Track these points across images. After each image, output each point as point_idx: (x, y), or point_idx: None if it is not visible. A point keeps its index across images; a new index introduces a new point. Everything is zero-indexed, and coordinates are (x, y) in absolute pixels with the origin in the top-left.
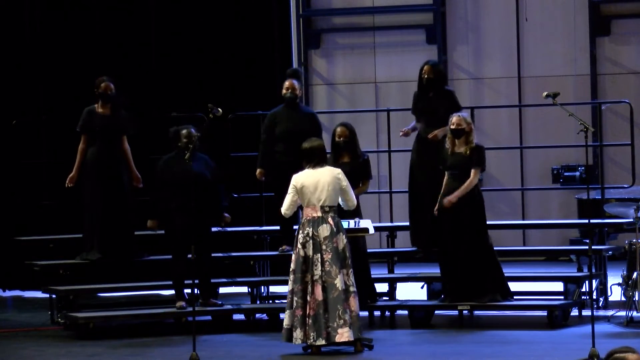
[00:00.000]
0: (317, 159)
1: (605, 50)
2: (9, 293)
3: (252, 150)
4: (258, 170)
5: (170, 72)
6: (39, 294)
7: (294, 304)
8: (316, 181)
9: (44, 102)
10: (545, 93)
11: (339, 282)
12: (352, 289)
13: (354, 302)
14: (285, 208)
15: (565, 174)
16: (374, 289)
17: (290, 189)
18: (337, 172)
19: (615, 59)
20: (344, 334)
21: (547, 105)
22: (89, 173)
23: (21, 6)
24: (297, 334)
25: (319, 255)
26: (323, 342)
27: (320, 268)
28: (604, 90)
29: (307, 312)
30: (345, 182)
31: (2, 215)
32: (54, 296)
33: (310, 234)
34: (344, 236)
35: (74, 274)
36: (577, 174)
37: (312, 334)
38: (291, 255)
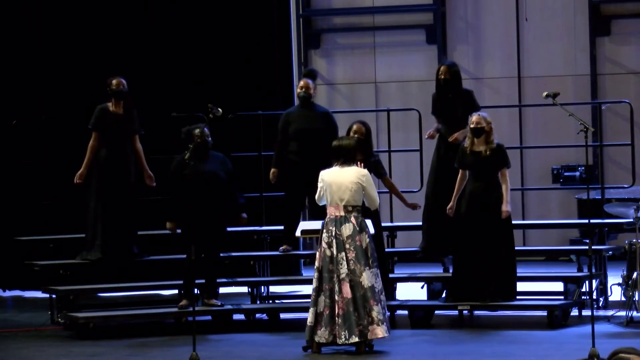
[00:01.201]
0: (344, 158)
1: (605, 50)
2: (9, 293)
3: (252, 150)
4: (272, 171)
5: (170, 72)
6: (39, 294)
7: (320, 302)
8: (340, 180)
9: (44, 102)
10: (545, 93)
11: (365, 280)
12: (376, 286)
13: (379, 300)
14: (316, 197)
15: (565, 174)
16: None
17: (319, 181)
18: (363, 173)
19: (615, 59)
20: (375, 331)
21: (547, 105)
22: (100, 172)
23: (21, 6)
24: (322, 332)
25: (343, 254)
26: (356, 339)
27: (345, 267)
28: (604, 90)
29: (337, 312)
30: (368, 185)
31: (2, 215)
32: (54, 296)
33: (334, 233)
34: (367, 235)
35: (74, 274)
36: (577, 174)
37: (343, 333)
38: (293, 254)
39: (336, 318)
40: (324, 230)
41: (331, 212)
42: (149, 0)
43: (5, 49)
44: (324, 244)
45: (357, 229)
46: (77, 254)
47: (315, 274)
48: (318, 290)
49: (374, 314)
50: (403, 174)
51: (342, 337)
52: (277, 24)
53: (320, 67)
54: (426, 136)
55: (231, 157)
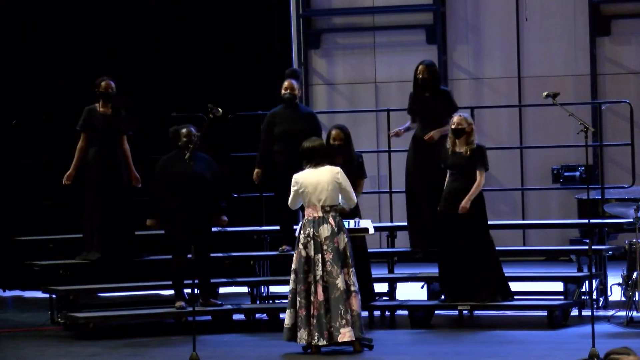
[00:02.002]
0: (317, 159)
1: (605, 50)
2: (9, 293)
3: (252, 150)
4: (255, 171)
5: (170, 72)
6: (39, 294)
7: (298, 304)
8: (316, 181)
9: (44, 102)
10: (545, 93)
11: (340, 282)
12: (353, 288)
13: (355, 302)
14: (289, 202)
15: (565, 174)
16: (372, 289)
17: (292, 185)
18: (337, 171)
19: (615, 59)
20: (346, 334)
21: (547, 105)
22: (89, 172)
23: (21, 6)
24: (302, 333)
25: (320, 255)
26: (324, 342)
27: (321, 268)
28: (604, 90)
29: (312, 313)
30: (344, 181)
31: (2, 215)
32: (54, 296)
33: (311, 234)
34: (345, 235)
35: (74, 274)
36: (577, 174)
37: (315, 334)
38: (292, 254)
39: (311, 319)
40: (301, 232)
41: (309, 213)
42: (150, 0)
43: (6, 49)
44: (300, 245)
45: (335, 229)
46: (77, 254)
47: (292, 276)
48: (294, 292)
49: (348, 316)
50: (402, 174)
51: (315, 337)
52: (277, 24)
53: (320, 67)
54: (392, 133)
55: (231, 157)
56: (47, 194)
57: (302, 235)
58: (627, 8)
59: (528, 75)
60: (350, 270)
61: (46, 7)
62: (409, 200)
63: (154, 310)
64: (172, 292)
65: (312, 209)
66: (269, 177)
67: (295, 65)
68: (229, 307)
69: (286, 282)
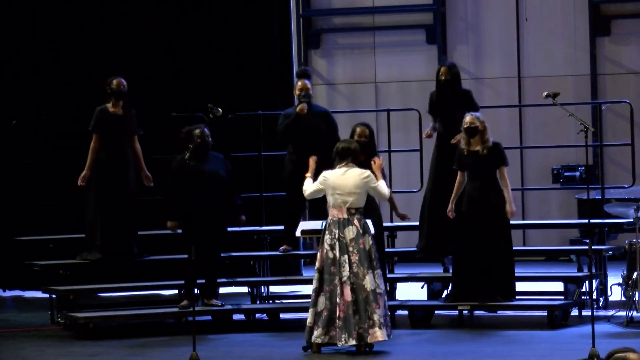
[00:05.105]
0: (349, 159)
1: (605, 50)
2: (9, 293)
3: (252, 150)
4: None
5: (170, 72)
6: (39, 294)
7: (322, 304)
8: (344, 183)
9: (44, 102)
10: (545, 93)
11: (368, 283)
12: (379, 290)
13: (381, 303)
14: (308, 191)
15: (565, 174)
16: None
17: (319, 181)
18: (366, 174)
19: (615, 59)
20: (375, 334)
21: (547, 105)
22: (98, 172)
23: (22, 6)
24: (318, 333)
25: (346, 256)
26: (354, 342)
27: (348, 269)
28: (604, 90)
29: (338, 314)
30: (373, 182)
31: (2, 215)
32: (54, 296)
33: (337, 236)
34: (370, 237)
35: (74, 274)
36: (577, 174)
37: (343, 335)
38: (293, 254)
39: (337, 321)
40: (327, 232)
41: (334, 214)
42: (150, 0)
43: (6, 49)
44: (326, 246)
45: (361, 231)
46: (77, 254)
47: (316, 275)
48: (318, 291)
49: (375, 317)
50: (403, 174)
51: (342, 339)
52: (277, 24)
53: (320, 67)
54: (424, 136)
55: (231, 157)
56: (47, 194)
57: (328, 237)
58: (627, 8)
59: (528, 75)
60: (376, 272)
61: (46, 7)
62: (431, 200)
63: (154, 310)
64: (171, 292)
65: (337, 210)
66: (283, 176)
67: (295, 65)
68: (229, 307)
69: (286, 282)
